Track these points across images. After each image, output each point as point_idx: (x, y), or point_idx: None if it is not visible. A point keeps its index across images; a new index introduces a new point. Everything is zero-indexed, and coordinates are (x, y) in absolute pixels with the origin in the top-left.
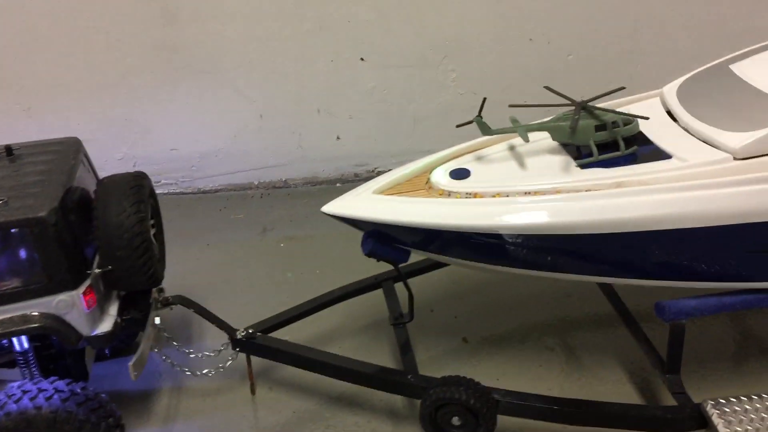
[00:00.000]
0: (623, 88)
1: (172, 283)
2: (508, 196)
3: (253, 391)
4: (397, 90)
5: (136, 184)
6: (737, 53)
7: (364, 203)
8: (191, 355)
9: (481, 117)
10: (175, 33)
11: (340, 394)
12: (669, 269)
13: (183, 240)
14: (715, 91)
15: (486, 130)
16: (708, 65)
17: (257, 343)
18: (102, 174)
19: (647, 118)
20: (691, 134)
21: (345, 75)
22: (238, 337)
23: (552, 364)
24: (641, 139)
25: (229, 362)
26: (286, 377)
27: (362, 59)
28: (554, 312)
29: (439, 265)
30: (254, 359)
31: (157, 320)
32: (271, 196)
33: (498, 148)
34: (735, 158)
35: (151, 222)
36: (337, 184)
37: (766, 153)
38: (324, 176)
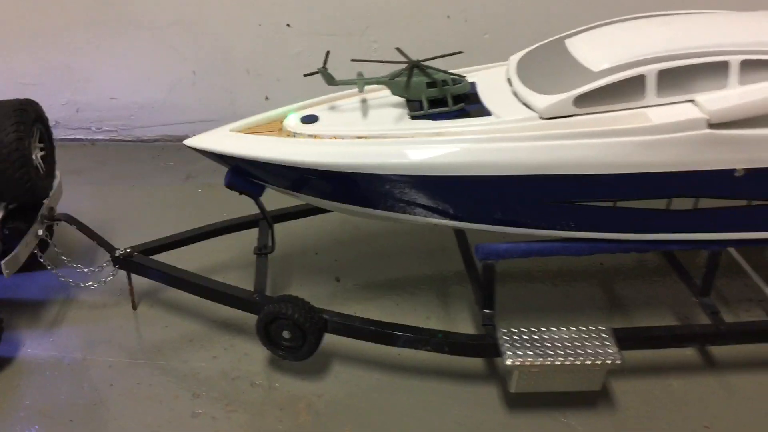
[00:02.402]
0: (461, 52)
1: (85, 213)
2: (342, 138)
3: (134, 307)
4: (323, 56)
5: (20, 109)
6: (576, 30)
7: (219, 138)
8: (77, 270)
9: (326, 68)
10: None
11: (225, 319)
12: (482, 214)
13: (112, 181)
14: (545, 61)
15: (330, 80)
16: (549, 39)
17: (134, 262)
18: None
19: (472, 82)
20: (517, 97)
21: (272, 39)
22: (117, 255)
23: (406, 305)
24: (472, 99)
25: (110, 278)
26: (169, 299)
27: (288, 25)
28: (427, 263)
29: (320, 210)
30: (139, 280)
31: (40, 232)
32: None
33: (351, 99)
34: (541, 117)
35: (41, 146)
36: None
37: (567, 114)
38: None
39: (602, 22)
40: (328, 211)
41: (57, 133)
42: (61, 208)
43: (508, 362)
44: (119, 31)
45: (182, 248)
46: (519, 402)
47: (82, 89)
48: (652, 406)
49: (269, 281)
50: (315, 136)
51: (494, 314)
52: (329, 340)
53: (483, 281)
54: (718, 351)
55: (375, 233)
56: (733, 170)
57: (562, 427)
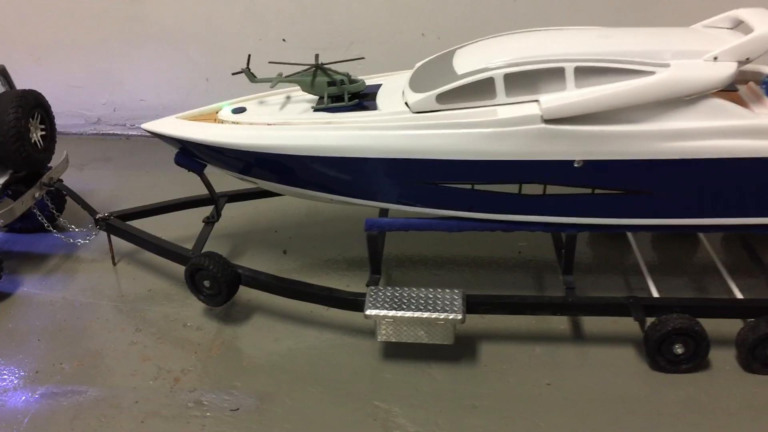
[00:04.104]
0: (363, 57)
1: (105, 190)
2: (255, 125)
3: (114, 263)
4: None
5: (21, 96)
6: (470, 42)
7: (166, 123)
8: (71, 230)
9: (249, 69)
10: (139, 8)
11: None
12: (364, 192)
13: (134, 167)
14: (432, 66)
15: (252, 78)
16: (446, 50)
17: (111, 224)
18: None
19: (379, 83)
20: (402, 96)
21: (271, 52)
22: (97, 217)
23: (334, 276)
24: (370, 97)
25: (93, 236)
26: (145, 259)
27: (284, 40)
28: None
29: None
30: (123, 243)
31: (37, 194)
32: None
33: (278, 96)
34: (412, 111)
35: (42, 126)
36: None
37: (431, 109)
38: None
39: (493, 35)
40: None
41: (98, 129)
42: (87, 186)
43: (367, 312)
44: (146, 43)
45: (161, 217)
46: (394, 353)
47: (117, 91)
48: (510, 365)
49: (229, 249)
50: (236, 123)
51: (379, 277)
52: (258, 297)
53: (369, 248)
54: (588, 326)
55: (334, 218)
56: (572, 161)
57: (423, 374)
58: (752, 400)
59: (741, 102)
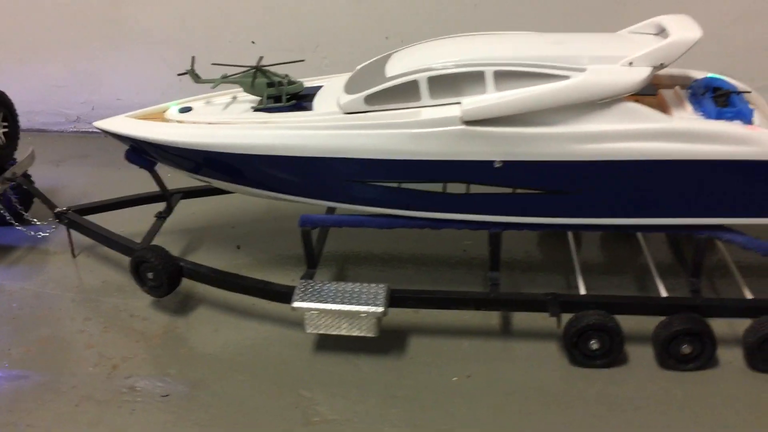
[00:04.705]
0: (303, 60)
1: (78, 185)
2: (197, 123)
3: (73, 255)
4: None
5: None
6: (407, 45)
7: (116, 122)
8: (34, 224)
9: (193, 70)
10: (117, 12)
11: None
12: (299, 189)
13: (108, 164)
14: (369, 70)
15: (196, 79)
16: (386, 53)
17: (69, 218)
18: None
19: (320, 85)
20: (337, 97)
21: (241, 53)
22: (56, 211)
23: (280, 272)
24: (309, 98)
25: (53, 229)
26: (104, 252)
27: (253, 42)
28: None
29: None
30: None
31: (1, 188)
32: None
33: (224, 96)
34: (342, 112)
35: (5, 124)
36: None
37: (360, 110)
38: None
39: (428, 39)
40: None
41: (78, 126)
42: (62, 182)
43: (293, 305)
44: (123, 45)
45: (126, 211)
46: (326, 345)
47: (96, 91)
48: (436, 358)
49: (186, 243)
50: (180, 122)
51: (314, 272)
52: (206, 290)
53: (303, 244)
54: (517, 322)
55: (291, 214)
56: (492, 162)
57: (351, 365)
58: (663, 395)
59: (663, 105)
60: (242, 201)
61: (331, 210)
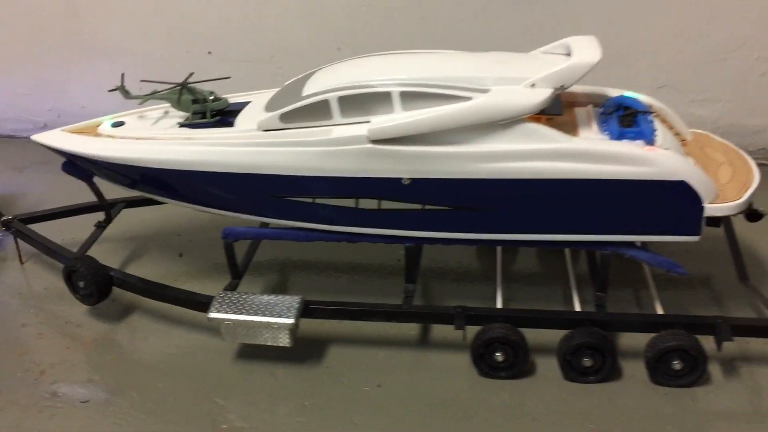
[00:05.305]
0: (229, 77)
1: (39, 192)
2: (127, 138)
3: (21, 261)
4: (237, 79)
5: None
6: (330, 63)
7: (52, 136)
8: None
9: (123, 86)
10: (79, 24)
11: None
12: (221, 203)
13: None
14: (290, 88)
15: (126, 95)
16: (311, 70)
17: (14, 227)
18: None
19: (248, 101)
20: (258, 114)
21: (199, 64)
22: (2, 220)
23: (219, 283)
24: (233, 114)
25: (0, 236)
26: (52, 260)
27: (209, 53)
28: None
29: None
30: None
31: None
32: None
33: (156, 111)
34: (259, 129)
35: None
36: None
37: (275, 128)
38: None
39: (351, 57)
40: None
41: None
42: (22, 188)
43: (209, 315)
44: (85, 55)
45: (76, 219)
46: (248, 354)
47: (61, 99)
48: (350, 368)
49: (130, 252)
50: (111, 137)
51: (238, 282)
52: (140, 298)
53: (226, 255)
54: (435, 333)
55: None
56: (400, 179)
57: (268, 374)
58: (563, 406)
59: (572, 124)
60: (191, 209)
61: (265, 224)
